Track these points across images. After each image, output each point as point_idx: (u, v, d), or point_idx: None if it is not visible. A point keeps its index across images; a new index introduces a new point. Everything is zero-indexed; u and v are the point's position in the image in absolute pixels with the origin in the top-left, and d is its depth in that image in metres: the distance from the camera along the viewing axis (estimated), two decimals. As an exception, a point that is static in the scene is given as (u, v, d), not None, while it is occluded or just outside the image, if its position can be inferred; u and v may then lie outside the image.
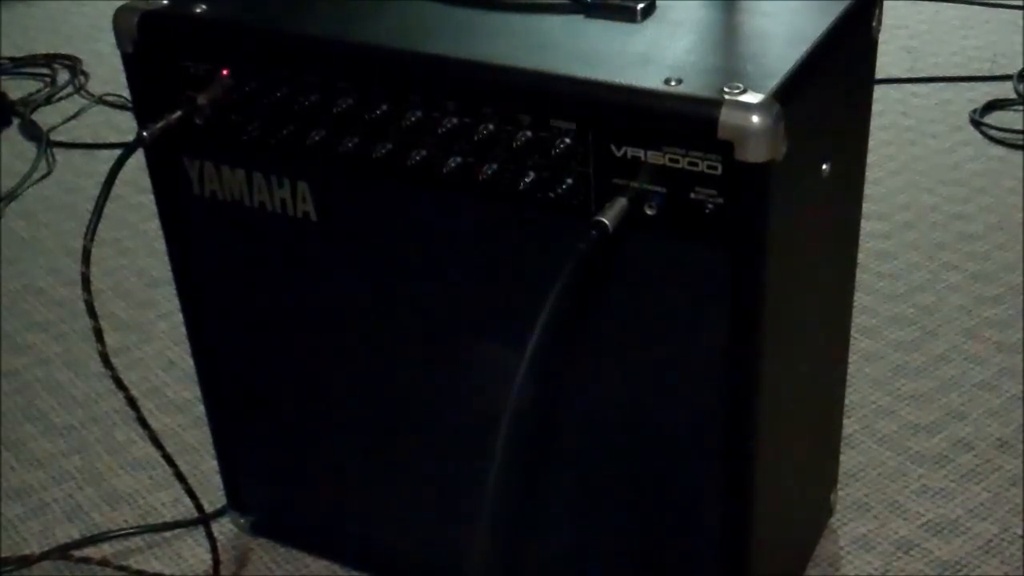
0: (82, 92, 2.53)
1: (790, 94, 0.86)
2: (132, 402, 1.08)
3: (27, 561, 1.33)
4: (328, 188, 1.04)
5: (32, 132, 2.36)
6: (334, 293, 1.11)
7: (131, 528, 1.38)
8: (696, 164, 0.86)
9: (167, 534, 1.37)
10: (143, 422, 1.10)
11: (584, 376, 1.01)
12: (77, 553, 1.35)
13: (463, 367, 1.06)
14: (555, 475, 1.08)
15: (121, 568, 1.32)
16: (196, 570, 1.32)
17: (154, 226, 1.40)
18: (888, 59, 2.44)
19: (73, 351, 1.71)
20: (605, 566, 1.11)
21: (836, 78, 0.99)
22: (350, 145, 0.99)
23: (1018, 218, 1.91)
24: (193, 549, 1.35)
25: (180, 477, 1.16)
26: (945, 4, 2.76)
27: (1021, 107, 2.25)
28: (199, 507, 1.21)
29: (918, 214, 1.94)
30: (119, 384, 1.07)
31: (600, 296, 0.95)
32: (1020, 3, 2.69)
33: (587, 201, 0.91)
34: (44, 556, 1.34)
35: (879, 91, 2.02)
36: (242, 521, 1.34)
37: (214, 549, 1.26)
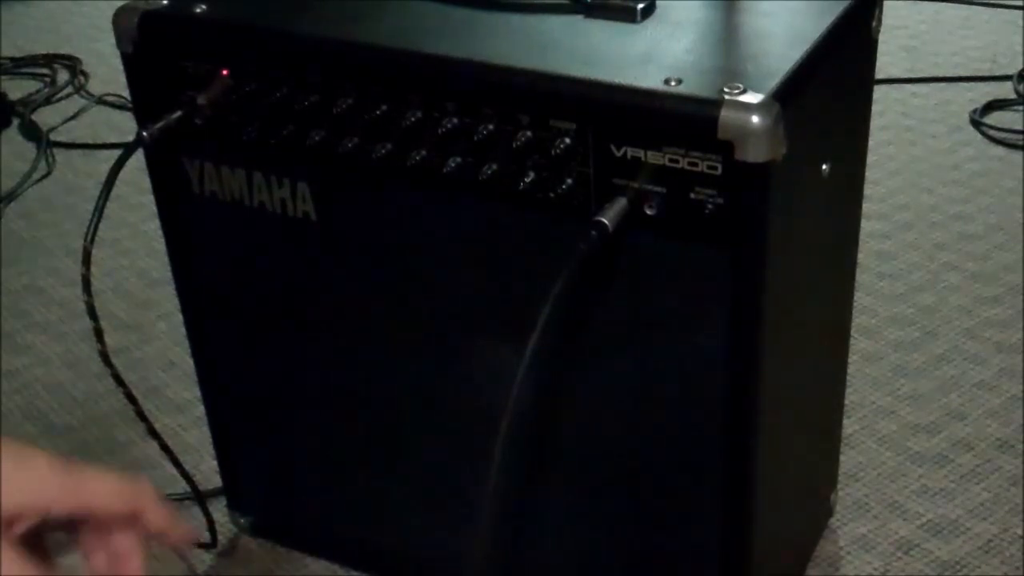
0: (82, 92, 2.53)
1: (790, 94, 0.86)
2: (131, 397, 1.09)
3: (27, 561, 1.33)
4: (328, 188, 1.04)
5: (32, 132, 2.35)
6: (334, 293, 1.11)
7: (131, 528, 1.38)
8: (696, 164, 0.85)
9: (167, 534, 1.37)
10: (141, 415, 1.10)
11: (584, 376, 1.01)
12: (77, 553, 1.34)
13: (463, 367, 1.06)
14: (555, 475, 1.08)
15: (121, 568, 1.32)
16: (196, 570, 1.32)
17: (154, 226, 1.40)
18: (888, 59, 2.43)
19: (73, 351, 1.71)
20: (605, 566, 1.11)
21: (836, 78, 0.99)
22: (350, 145, 0.99)
23: (1018, 218, 1.91)
24: (193, 549, 1.35)
25: (184, 475, 1.16)
26: (945, 4, 2.75)
27: (1021, 107, 2.24)
28: (201, 507, 1.21)
29: (918, 214, 1.94)
30: (118, 380, 1.07)
31: (600, 296, 0.95)
32: (1020, 3, 2.68)
33: (587, 201, 0.91)
34: (44, 556, 1.34)
35: (879, 91, 2.01)
36: (242, 521, 1.34)
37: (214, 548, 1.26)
